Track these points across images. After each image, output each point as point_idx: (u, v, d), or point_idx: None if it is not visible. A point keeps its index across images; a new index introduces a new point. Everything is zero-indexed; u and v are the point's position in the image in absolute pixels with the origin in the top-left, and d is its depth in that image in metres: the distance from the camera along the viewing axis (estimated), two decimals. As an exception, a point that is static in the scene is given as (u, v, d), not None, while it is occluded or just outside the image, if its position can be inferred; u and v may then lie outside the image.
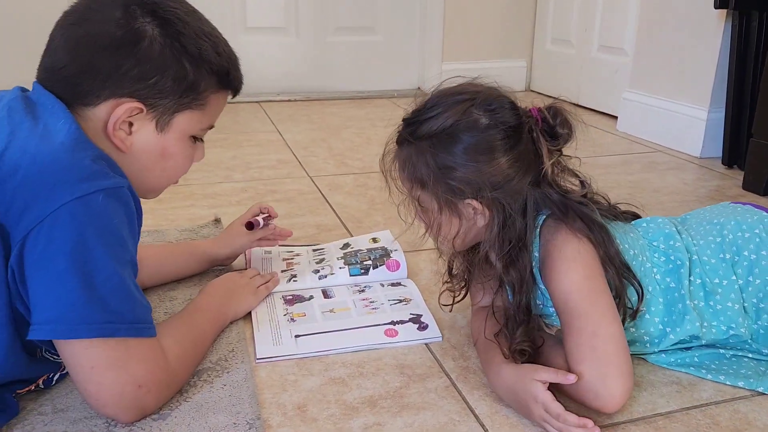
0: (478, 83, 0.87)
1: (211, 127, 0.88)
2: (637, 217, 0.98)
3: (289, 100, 2.78)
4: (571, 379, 0.76)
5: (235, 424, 0.77)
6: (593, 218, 0.85)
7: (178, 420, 0.77)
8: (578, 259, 0.82)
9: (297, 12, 2.78)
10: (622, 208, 0.97)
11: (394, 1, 2.86)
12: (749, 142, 1.71)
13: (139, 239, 0.80)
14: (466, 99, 0.83)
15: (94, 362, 0.71)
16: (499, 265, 0.86)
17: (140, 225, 0.79)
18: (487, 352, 0.88)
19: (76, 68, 0.76)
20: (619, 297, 0.84)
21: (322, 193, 1.64)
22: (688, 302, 0.88)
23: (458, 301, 1.00)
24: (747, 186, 1.69)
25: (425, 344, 0.97)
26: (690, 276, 0.89)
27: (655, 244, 0.92)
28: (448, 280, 1.00)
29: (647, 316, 0.89)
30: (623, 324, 0.83)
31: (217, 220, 1.40)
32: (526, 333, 0.85)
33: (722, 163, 1.90)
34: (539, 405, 0.76)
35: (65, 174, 0.69)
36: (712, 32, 1.90)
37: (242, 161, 1.90)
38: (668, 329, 0.89)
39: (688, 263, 0.89)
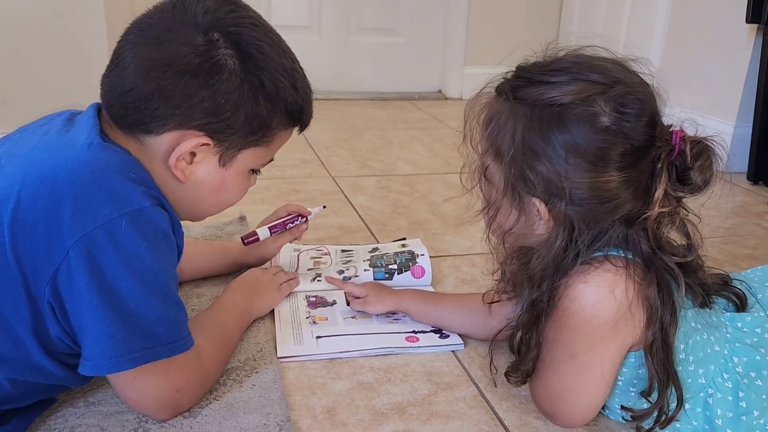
0: (632, 69, 0.69)
1: (271, 160, 0.84)
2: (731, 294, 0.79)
3: (310, 99, 2.78)
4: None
5: (265, 425, 0.77)
6: (673, 296, 0.69)
7: (209, 418, 0.78)
8: (598, 328, 0.69)
9: (321, 11, 2.78)
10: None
11: (418, 3, 2.85)
12: (776, 160, 1.70)
13: (182, 248, 0.78)
14: (599, 82, 0.66)
15: (137, 372, 0.71)
16: (544, 289, 0.73)
17: (180, 235, 0.77)
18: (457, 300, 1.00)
19: (144, 92, 0.71)
20: (658, 393, 0.72)
21: (345, 194, 1.64)
22: None
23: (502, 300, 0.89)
24: (773, 203, 1.68)
25: (452, 352, 0.96)
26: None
27: (736, 360, 0.73)
28: (500, 280, 0.86)
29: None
30: (652, 427, 0.74)
31: (242, 218, 1.41)
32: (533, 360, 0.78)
33: (747, 179, 1.88)
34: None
35: (85, 199, 0.66)
36: (742, 47, 1.88)
37: (265, 159, 1.90)
38: None
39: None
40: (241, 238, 1.09)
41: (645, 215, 0.68)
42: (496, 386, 0.88)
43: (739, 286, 0.80)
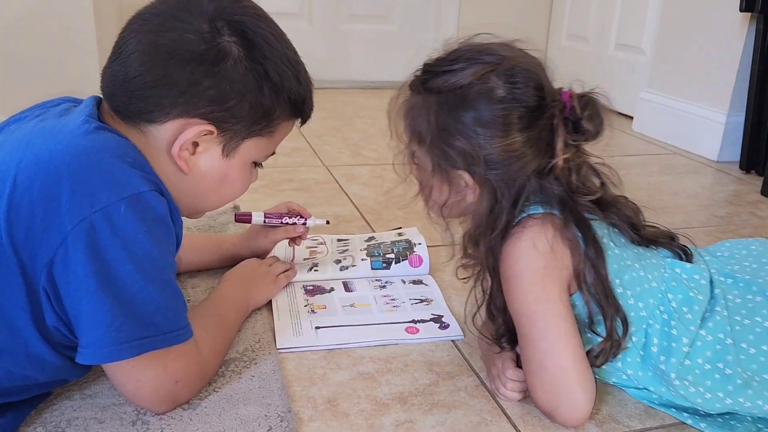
0: (515, 47, 0.79)
1: (273, 153, 0.84)
2: (672, 240, 0.87)
3: (300, 87, 2.75)
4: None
5: (266, 416, 0.76)
6: (592, 231, 0.77)
7: (209, 410, 0.76)
8: (533, 278, 0.76)
9: (311, -2, 2.75)
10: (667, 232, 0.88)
11: (410, -9, 2.84)
12: (769, 148, 1.71)
13: (181, 238, 0.76)
14: (489, 62, 0.76)
15: (135, 362, 0.69)
16: (482, 249, 0.80)
17: (179, 224, 0.75)
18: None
19: (148, 79, 0.70)
20: (597, 324, 0.78)
21: (338, 183, 1.63)
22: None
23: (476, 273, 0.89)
24: (766, 192, 1.69)
25: (453, 341, 0.96)
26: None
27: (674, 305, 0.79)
28: (465, 256, 0.88)
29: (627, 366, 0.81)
30: (606, 357, 0.78)
31: (236, 207, 1.39)
32: (508, 322, 0.82)
33: (740, 167, 1.89)
34: (496, 368, 0.84)
35: (83, 183, 0.64)
36: (736, 35, 1.88)
37: (257, 148, 1.88)
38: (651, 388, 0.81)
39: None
40: (235, 214, 1.09)
41: (552, 164, 0.77)
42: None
43: (686, 245, 0.88)
